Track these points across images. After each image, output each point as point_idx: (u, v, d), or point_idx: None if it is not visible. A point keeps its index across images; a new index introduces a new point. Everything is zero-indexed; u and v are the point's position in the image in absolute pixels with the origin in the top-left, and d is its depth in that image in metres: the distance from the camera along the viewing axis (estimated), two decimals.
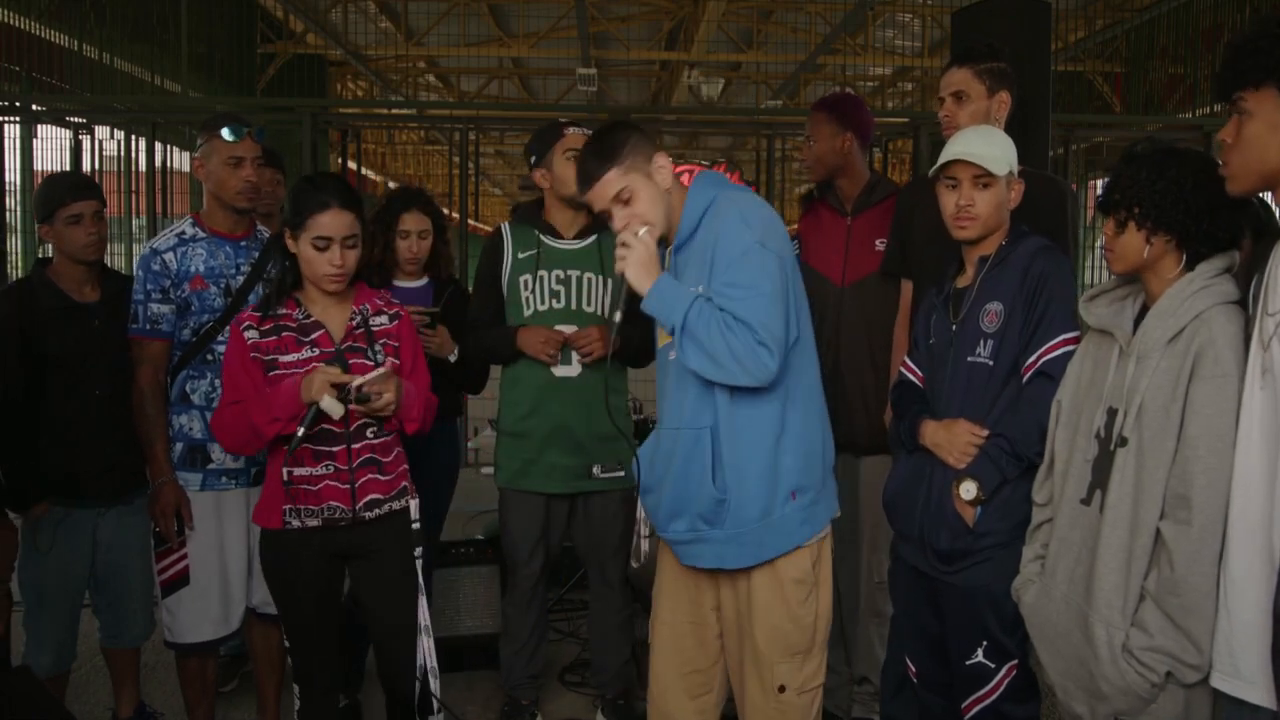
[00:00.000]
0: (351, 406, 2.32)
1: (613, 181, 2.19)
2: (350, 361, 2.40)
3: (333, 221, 2.34)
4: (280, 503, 2.42)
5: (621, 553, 3.16)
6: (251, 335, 2.40)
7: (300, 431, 2.30)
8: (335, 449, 2.40)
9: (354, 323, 2.45)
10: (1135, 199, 1.89)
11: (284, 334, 2.41)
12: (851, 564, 3.12)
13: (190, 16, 8.77)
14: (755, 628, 2.25)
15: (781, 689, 2.26)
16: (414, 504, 2.53)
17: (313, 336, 2.41)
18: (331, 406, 2.29)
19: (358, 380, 2.30)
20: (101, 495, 2.87)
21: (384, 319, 2.51)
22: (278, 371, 2.37)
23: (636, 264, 2.14)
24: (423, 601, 2.53)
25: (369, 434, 2.43)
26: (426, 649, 2.51)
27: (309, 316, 2.44)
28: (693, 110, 12.14)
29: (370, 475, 2.44)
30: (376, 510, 2.46)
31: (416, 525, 2.52)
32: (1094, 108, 11.26)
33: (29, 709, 2.30)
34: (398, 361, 2.45)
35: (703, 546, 2.22)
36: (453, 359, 3.15)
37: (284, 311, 2.42)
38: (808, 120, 3.20)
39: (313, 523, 2.42)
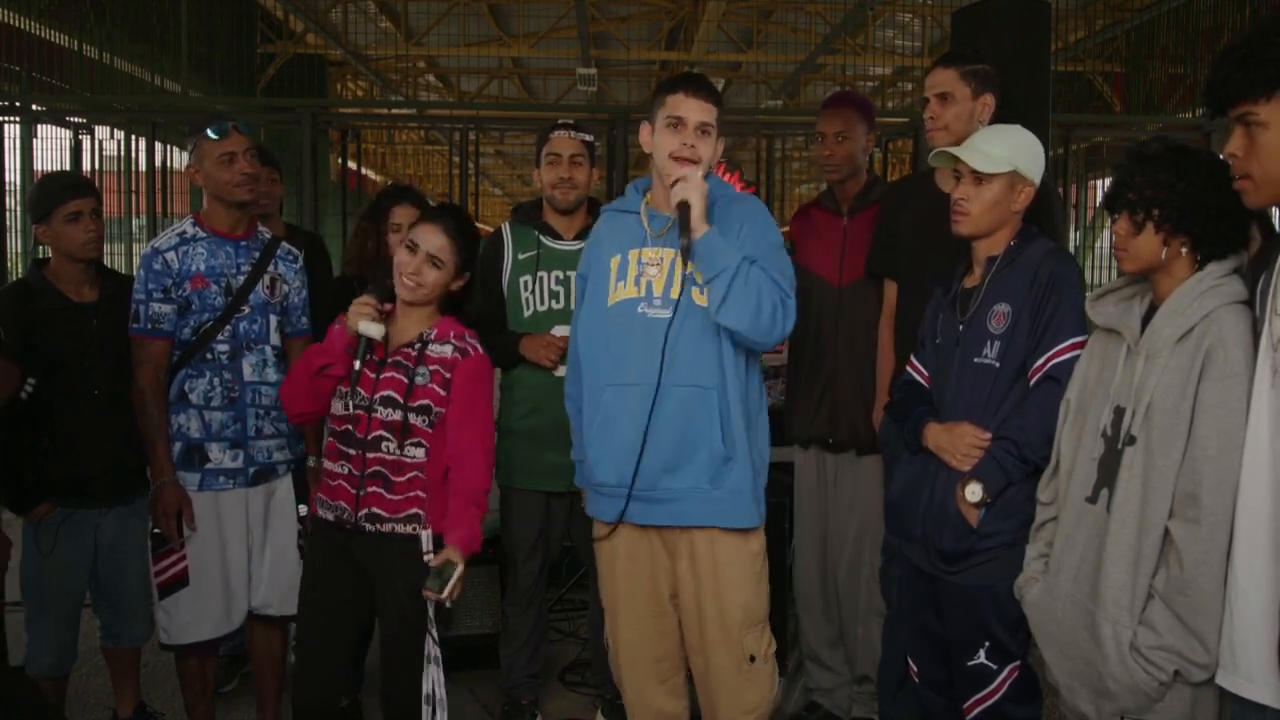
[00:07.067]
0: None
1: (713, 115, 2.34)
2: (385, 374, 2.42)
3: (428, 236, 2.44)
4: (318, 490, 2.56)
5: None
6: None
7: (357, 365, 2.41)
8: (353, 452, 2.43)
9: (412, 339, 2.45)
10: (1155, 201, 1.87)
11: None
12: (852, 563, 3.12)
13: (190, 16, 8.75)
14: (728, 602, 2.36)
15: (752, 659, 2.39)
16: (425, 535, 2.35)
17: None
18: (369, 329, 2.40)
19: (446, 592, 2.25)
20: (103, 495, 2.86)
21: (447, 348, 2.44)
22: None
23: (698, 192, 2.22)
24: (431, 633, 2.36)
25: (383, 448, 2.41)
26: (436, 679, 2.37)
27: None
28: None
29: (375, 489, 2.41)
30: (377, 526, 2.42)
31: (428, 557, 2.32)
32: (1094, 108, 11.26)
33: (25, 710, 2.29)
34: (461, 562, 2.29)
35: (695, 504, 2.32)
36: None
37: None
38: (830, 118, 3.09)
39: (329, 516, 2.48)
